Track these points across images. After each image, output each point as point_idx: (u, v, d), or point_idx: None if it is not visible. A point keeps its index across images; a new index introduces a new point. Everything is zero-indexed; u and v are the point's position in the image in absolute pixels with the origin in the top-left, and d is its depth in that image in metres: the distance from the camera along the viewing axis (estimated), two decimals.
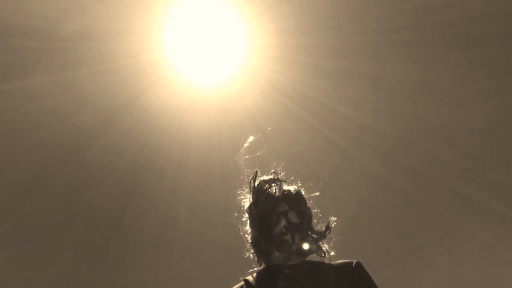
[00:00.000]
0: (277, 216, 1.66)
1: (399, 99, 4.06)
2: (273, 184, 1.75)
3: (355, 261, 1.68)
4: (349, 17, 3.80)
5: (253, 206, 1.72)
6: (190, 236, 3.99)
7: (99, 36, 3.51)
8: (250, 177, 1.78)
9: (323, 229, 1.73)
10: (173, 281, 4.10)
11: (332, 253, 1.73)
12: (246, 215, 1.75)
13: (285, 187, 1.77)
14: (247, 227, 1.75)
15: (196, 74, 3.87)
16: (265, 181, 1.75)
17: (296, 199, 1.72)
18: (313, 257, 1.73)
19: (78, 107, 3.73)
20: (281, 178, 1.77)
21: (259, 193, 1.73)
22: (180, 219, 4.02)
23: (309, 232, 1.71)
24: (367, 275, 1.65)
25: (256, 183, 1.76)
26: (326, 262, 1.71)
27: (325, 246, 1.73)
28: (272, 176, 1.76)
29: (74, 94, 3.73)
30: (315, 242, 1.71)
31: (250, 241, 1.72)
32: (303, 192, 1.77)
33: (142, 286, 4.01)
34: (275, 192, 1.73)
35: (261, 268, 1.71)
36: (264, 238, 1.65)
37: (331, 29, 3.76)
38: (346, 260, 1.69)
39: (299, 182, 1.78)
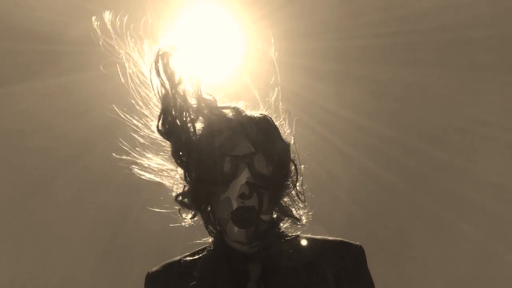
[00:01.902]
0: (235, 164, 0.96)
1: (395, 101, 4.07)
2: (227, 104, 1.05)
3: (358, 245, 1.15)
4: (346, 22, 3.81)
5: (185, 145, 0.98)
6: (192, 233, 3.99)
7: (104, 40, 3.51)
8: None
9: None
10: None
11: (304, 220, 1.11)
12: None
13: (246, 111, 1.06)
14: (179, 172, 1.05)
15: (198, 75, 3.87)
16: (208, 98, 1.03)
17: (266, 131, 1.02)
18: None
19: (86, 108, 3.74)
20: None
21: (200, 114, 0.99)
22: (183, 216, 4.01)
23: (284, 193, 1.05)
24: (366, 267, 1.14)
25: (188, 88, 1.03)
26: (305, 235, 1.10)
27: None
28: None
29: (81, 95, 3.73)
30: (288, 209, 1.08)
31: (190, 199, 1.04)
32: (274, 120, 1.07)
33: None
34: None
35: (209, 247, 1.07)
36: (212, 199, 0.99)
37: (329, 34, 3.77)
38: (340, 239, 1.14)
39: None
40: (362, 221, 4.02)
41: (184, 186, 1.07)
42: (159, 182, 1.16)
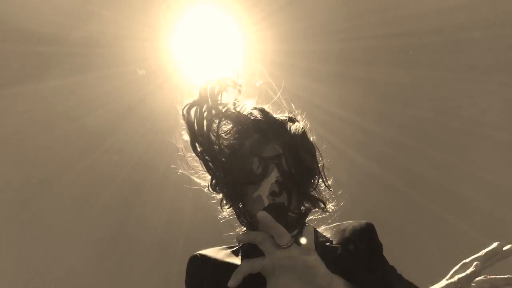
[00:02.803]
0: (265, 164, 1.00)
1: (391, 101, 4.08)
2: (253, 107, 1.05)
3: (369, 222, 1.21)
4: (344, 24, 3.81)
5: (211, 144, 1.01)
6: (193, 232, 4.00)
7: (107, 42, 3.53)
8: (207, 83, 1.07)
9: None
10: (176, 277, 4.10)
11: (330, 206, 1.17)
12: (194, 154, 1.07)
13: (272, 113, 1.09)
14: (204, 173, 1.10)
15: (199, 77, 3.88)
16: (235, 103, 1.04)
17: (292, 133, 1.05)
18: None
19: (88, 109, 3.74)
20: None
21: (225, 116, 1.02)
22: (184, 216, 4.02)
23: (311, 188, 1.10)
24: (380, 243, 1.20)
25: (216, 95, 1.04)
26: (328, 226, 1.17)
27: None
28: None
29: (84, 96, 3.74)
30: (319, 201, 1.13)
31: (225, 195, 1.10)
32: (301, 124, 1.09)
33: (147, 282, 4.02)
34: (254, 121, 1.03)
35: (237, 245, 1.13)
36: (245, 197, 1.04)
37: (328, 35, 3.77)
38: (353, 222, 1.20)
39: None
40: (359, 218, 4.02)
41: (218, 183, 1.11)
42: (196, 181, 1.19)
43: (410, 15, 3.73)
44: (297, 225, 1.07)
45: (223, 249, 1.15)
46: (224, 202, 1.14)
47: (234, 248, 1.14)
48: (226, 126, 1.08)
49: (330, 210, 1.18)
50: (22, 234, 3.95)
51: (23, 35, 3.62)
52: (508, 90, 3.90)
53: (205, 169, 1.09)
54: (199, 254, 1.13)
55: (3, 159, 3.84)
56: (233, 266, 1.03)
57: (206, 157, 1.05)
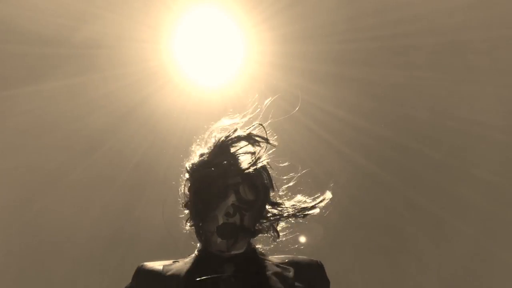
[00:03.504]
0: (225, 190, 1.21)
1: (390, 102, 4.10)
2: (238, 143, 1.28)
3: (318, 261, 1.32)
4: (343, 26, 3.82)
5: (199, 167, 1.26)
6: (193, 232, 3.99)
7: (109, 43, 3.54)
8: (214, 133, 1.33)
9: (286, 210, 1.30)
10: None
11: (280, 238, 1.32)
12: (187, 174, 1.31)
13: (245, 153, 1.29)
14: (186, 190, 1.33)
15: (200, 78, 3.90)
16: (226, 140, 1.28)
17: (253, 167, 1.26)
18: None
19: (90, 110, 3.75)
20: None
21: (217, 153, 1.26)
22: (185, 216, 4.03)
23: (263, 214, 1.29)
24: (327, 278, 1.30)
25: (217, 139, 1.29)
26: (272, 255, 1.32)
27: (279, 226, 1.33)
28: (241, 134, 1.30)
29: (86, 97, 3.74)
30: (269, 227, 1.31)
31: (190, 213, 1.31)
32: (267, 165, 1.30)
33: None
34: (231, 159, 1.25)
35: (190, 257, 1.31)
36: (204, 215, 1.24)
37: (326, 37, 3.79)
38: (304, 257, 1.31)
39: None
40: (358, 218, 4.04)
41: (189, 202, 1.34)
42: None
43: (407, 17, 3.74)
44: (245, 244, 1.26)
45: (168, 264, 1.31)
46: (189, 218, 1.34)
47: (183, 260, 1.31)
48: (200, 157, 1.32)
49: (278, 239, 1.32)
50: (24, 233, 3.96)
51: (26, 37, 3.63)
52: (504, 90, 3.93)
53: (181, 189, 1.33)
54: (141, 265, 1.30)
55: (5, 159, 3.86)
56: (174, 279, 1.21)
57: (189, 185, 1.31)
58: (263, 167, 1.30)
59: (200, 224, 1.29)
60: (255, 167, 1.27)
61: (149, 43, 3.57)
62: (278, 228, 1.34)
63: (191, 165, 1.30)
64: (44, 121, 3.79)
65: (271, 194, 1.33)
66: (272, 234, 1.32)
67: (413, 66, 3.95)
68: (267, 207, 1.31)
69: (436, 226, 4.20)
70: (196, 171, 1.28)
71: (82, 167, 3.87)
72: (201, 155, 1.30)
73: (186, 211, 1.34)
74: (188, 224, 1.34)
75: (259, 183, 1.28)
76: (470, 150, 4.11)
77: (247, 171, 1.25)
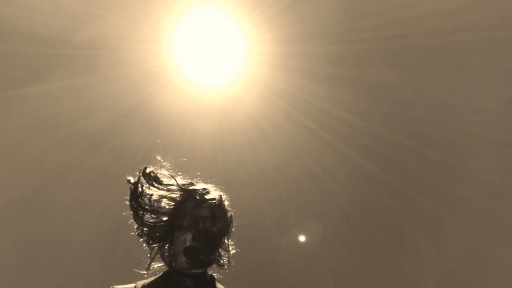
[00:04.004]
0: (195, 220, 1.52)
1: (389, 102, 4.11)
2: (204, 190, 1.58)
3: None
4: (342, 27, 3.83)
5: (177, 200, 1.56)
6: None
7: (110, 44, 3.55)
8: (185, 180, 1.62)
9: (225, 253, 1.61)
10: None
11: (226, 266, 1.62)
12: (163, 202, 1.58)
13: (211, 193, 1.60)
14: (154, 217, 1.59)
15: (200, 79, 3.91)
16: (195, 190, 1.57)
17: (218, 206, 1.57)
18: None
19: (92, 110, 3.77)
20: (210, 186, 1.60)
21: (188, 194, 1.56)
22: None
23: (221, 244, 1.59)
24: None
25: (187, 184, 1.60)
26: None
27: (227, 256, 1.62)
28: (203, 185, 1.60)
29: (88, 97, 3.76)
30: (224, 255, 1.61)
31: (154, 233, 1.60)
32: (225, 200, 1.63)
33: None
34: (203, 197, 1.56)
35: (158, 275, 1.59)
36: (177, 238, 1.53)
37: (325, 38, 3.80)
38: None
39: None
40: (356, 216, 4.06)
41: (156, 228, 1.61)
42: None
43: (405, 19, 3.75)
44: (205, 266, 1.53)
45: (140, 283, 1.58)
46: (151, 242, 1.60)
47: (149, 280, 1.58)
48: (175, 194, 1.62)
49: (225, 267, 1.61)
50: (27, 232, 3.98)
51: (29, 38, 3.64)
52: (501, 90, 3.94)
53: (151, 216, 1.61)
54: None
55: (9, 158, 3.88)
56: None
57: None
58: (231, 216, 1.62)
59: (167, 246, 1.58)
60: (228, 216, 1.59)
61: (150, 44, 3.58)
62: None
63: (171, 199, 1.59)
64: (47, 120, 3.80)
65: (230, 232, 1.63)
66: (224, 262, 1.61)
67: (411, 67, 3.96)
68: (225, 241, 1.61)
69: (434, 224, 4.21)
70: (177, 205, 1.57)
71: (85, 166, 3.89)
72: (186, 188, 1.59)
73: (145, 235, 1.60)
74: (152, 244, 1.59)
75: (224, 222, 1.58)
76: (467, 150, 4.12)
77: (217, 212, 1.56)
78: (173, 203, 1.59)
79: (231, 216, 1.62)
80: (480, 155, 4.08)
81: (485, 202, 4.05)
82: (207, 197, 1.58)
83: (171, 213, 1.57)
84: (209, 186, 1.63)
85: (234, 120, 3.88)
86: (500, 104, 3.97)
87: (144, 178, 1.64)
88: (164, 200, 1.60)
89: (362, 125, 4.05)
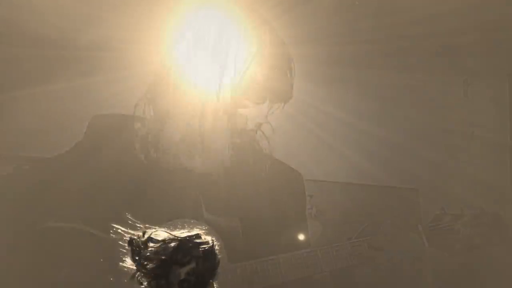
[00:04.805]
0: (188, 260, 1.60)
1: (387, 103, 4.14)
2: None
3: None
4: (342, 29, 3.87)
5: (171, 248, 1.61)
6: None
7: (113, 46, 3.58)
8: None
9: None
10: None
11: None
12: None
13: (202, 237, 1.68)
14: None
15: (201, 79, 3.93)
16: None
17: (210, 249, 1.66)
18: None
19: (95, 111, 3.79)
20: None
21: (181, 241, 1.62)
22: (186, 215, 4.06)
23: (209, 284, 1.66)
24: None
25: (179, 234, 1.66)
26: None
27: None
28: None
29: (91, 99, 3.79)
30: None
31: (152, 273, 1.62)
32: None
33: None
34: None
35: None
36: (166, 276, 1.59)
37: (325, 39, 3.84)
38: None
39: None
40: (356, 217, 4.08)
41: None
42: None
43: (404, 20, 3.79)
44: None
45: None
46: (145, 276, 1.64)
47: None
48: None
49: None
50: (28, 231, 3.99)
51: (31, 39, 3.67)
52: (498, 91, 3.97)
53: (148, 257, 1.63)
54: None
55: (11, 159, 3.90)
56: None
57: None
58: (218, 261, 1.69)
59: (163, 281, 1.62)
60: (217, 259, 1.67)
61: (153, 45, 3.60)
62: None
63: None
64: (49, 121, 3.82)
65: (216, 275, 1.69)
66: None
67: (410, 68, 4.00)
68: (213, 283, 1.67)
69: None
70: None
71: (87, 166, 3.90)
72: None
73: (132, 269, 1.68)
74: (146, 280, 1.64)
75: (210, 261, 1.64)
76: (465, 150, 4.15)
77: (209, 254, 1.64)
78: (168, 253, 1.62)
79: (219, 260, 1.70)
80: (478, 155, 4.11)
81: (484, 202, 4.08)
82: (199, 240, 1.65)
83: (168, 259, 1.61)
84: (201, 232, 1.69)
85: (234, 121, 3.89)
86: (496, 105, 4.01)
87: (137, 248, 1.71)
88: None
89: (362, 126, 4.08)
